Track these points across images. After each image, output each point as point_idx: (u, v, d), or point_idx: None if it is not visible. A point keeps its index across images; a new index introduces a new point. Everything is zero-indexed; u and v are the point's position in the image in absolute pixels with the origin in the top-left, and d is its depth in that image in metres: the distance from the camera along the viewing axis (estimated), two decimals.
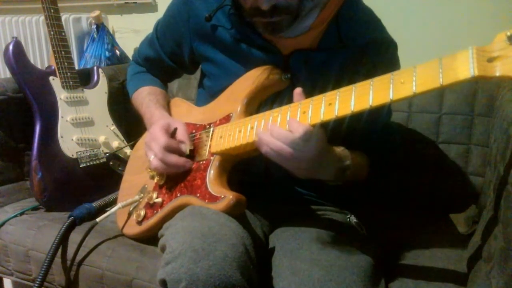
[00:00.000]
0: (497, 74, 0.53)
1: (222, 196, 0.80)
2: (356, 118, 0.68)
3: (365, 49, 0.86)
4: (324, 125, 0.71)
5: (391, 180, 1.19)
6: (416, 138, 1.22)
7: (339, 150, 0.81)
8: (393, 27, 0.93)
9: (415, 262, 0.91)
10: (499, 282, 0.62)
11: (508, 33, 0.53)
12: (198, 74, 1.09)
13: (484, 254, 0.75)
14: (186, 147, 0.89)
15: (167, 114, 1.01)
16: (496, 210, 0.73)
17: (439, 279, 0.83)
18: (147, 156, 0.92)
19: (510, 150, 0.72)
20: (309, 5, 0.79)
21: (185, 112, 1.03)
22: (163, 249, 0.78)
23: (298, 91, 0.76)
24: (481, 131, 1.16)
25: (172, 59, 1.06)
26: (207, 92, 1.01)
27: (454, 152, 1.18)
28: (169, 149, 0.88)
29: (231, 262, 0.68)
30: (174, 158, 0.88)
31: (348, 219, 0.94)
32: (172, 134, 0.91)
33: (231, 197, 0.79)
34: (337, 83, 0.70)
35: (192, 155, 0.92)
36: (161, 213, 0.91)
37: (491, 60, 0.53)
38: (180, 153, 0.89)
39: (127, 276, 0.94)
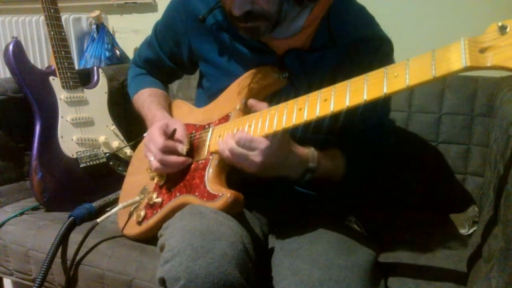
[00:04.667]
0: (489, 64, 0.53)
1: (220, 194, 0.80)
2: (351, 115, 0.68)
3: (357, 46, 0.86)
4: (286, 132, 0.76)
5: (391, 180, 1.19)
6: (416, 138, 1.22)
7: (305, 152, 0.82)
8: (387, 23, 0.92)
9: (415, 262, 0.91)
10: (499, 282, 0.62)
11: (500, 24, 0.53)
12: (197, 74, 1.09)
13: (484, 254, 0.75)
14: (183, 148, 0.90)
15: (168, 115, 1.01)
16: (496, 210, 0.73)
17: (439, 279, 0.83)
18: (146, 158, 0.92)
19: (510, 150, 0.72)
20: (294, 10, 0.78)
21: (186, 113, 1.04)
22: (162, 248, 0.78)
23: (251, 102, 0.83)
24: (481, 131, 1.16)
25: (172, 59, 1.06)
26: (206, 93, 1.01)
27: (454, 152, 1.18)
28: (167, 150, 0.88)
29: (230, 260, 0.68)
30: (172, 158, 0.89)
31: (347, 219, 0.94)
32: (171, 135, 0.91)
33: (228, 195, 0.79)
34: (333, 81, 0.71)
35: (192, 155, 0.92)
36: (160, 213, 0.91)
37: (483, 50, 0.54)
38: (177, 153, 0.90)
39: (127, 276, 0.94)
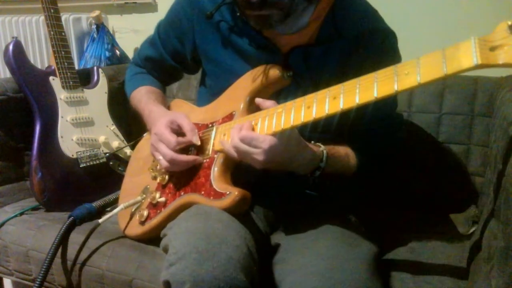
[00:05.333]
0: (500, 62, 0.53)
1: (228, 193, 0.80)
2: (360, 112, 0.68)
3: (361, 39, 0.86)
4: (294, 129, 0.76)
5: (391, 180, 1.19)
6: (416, 138, 1.21)
7: (315, 150, 0.82)
8: (392, 20, 0.92)
9: (415, 261, 0.91)
10: (499, 282, 0.62)
11: (510, 23, 0.53)
12: (198, 74, 1.09)
13: (484, 254, 0.75)
14: (196, 139, 0.89)
15: (166, 110, 1.00)
16: (496, 210, 0.73)
17: (439, 278, 0.83)
18: (154, 157, 0.91)
19: (510, 150, 0.72)
20: (302, 4, 0.79)
21: (187, 113, 1.02)
22: (165, 249, 0.77)
23: (258, 100, 0.83)
24: (481, 131, 1.16)
25: (174, 58, 1.06)
26: (209, 91, 1.01)
27: (454, 152, 1.18)
28: (178, 147, 0.88)
29: (235, 264, 0.68)
30: (184, 157, 0.88)
31: (347, 218, 0.94)
32: (178, 130, 0.91)
33: (236, 193, 0.79)
34: (338, 77, 0.71)
35: (195, 153, 0.92)
36: (164, 212, 0.91)
37: (493, 49, 0.54)
38: (187, 150, 0.89)
39: (127, 276, 0.94)
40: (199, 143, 0.90)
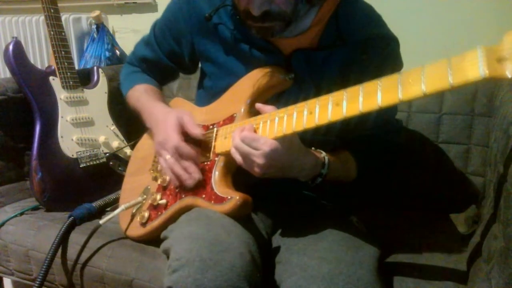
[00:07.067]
0: (509, 75, 0.51)
1: (229, 197, 0.79)
2: (363, 118, 0.67)
3: (365, 45, 0.86)
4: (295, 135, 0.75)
5: (391, 180, 1.19)
6: (416, 138, 1.22)
7: (316, 157, 0.81)
8: (395, 25, 0.92)
9: (415, 262, 0.91)
10: (499, 281, 0.62)
11: None
12: (198, 74, 1.08)
13: (484, 254, 0.75)
14: (199, 133, 0.88)
15: (168, 107, 0.98)
16: (496, 210, 0.73)
17: (439, 278, 0.83)
18: (160, 157, 0.90)
19: (510, 150, 0.72)
20: (304, 8, 0.78)
21: None
22: (166, 253, 0.77)
23: (259, 105, 0.82)
24: (481, 131, 1.16)
25: (171, 58, 1.05)
26: (208, 93, 1.00)
27: (454, 152, 1.18)
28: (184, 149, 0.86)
29: (239, 273, 0.68)
30: (188, 164, 0.87)
31: (349, 219, 0.94)
32: (183, 129, 0.90)
33: (237, 197, 0.78)
34: (341, 81, 0.70)
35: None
36: (165, 214, 0.90)
37: (501, 60, 0.52)
38: (194, 159, 0.88)
39: (127, 276, 0.94)
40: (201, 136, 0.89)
